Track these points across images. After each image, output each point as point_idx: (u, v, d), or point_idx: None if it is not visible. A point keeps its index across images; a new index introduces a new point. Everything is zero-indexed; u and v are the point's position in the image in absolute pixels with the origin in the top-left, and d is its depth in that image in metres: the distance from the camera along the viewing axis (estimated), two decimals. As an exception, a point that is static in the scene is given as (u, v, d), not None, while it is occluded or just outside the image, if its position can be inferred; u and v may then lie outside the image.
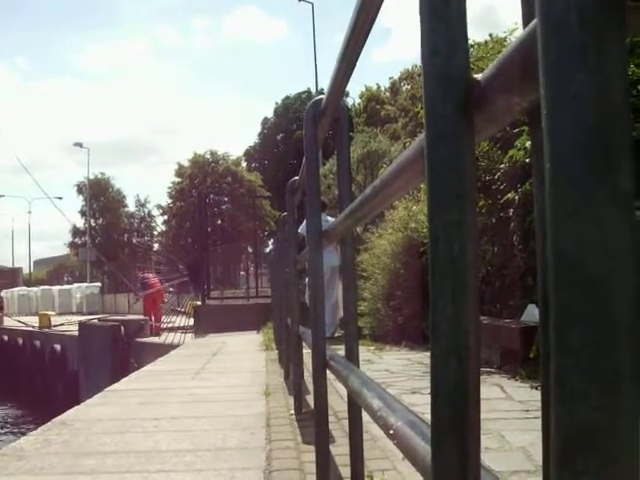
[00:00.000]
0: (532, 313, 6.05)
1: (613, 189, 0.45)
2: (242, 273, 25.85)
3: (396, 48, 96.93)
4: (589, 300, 0.45)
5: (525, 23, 0.73)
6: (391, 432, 1.17)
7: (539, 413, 0.78)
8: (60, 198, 51.98)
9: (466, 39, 0.76)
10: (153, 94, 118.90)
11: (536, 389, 4.89)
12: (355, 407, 2.30)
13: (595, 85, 0.45)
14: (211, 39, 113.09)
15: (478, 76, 0.77)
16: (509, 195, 6.35)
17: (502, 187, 6.67)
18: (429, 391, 0.80)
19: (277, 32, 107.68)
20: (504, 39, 8.11)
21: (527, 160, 5.84)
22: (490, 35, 9.08)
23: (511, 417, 4.12)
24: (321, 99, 2.53)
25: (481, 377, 0.80)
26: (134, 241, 61.33)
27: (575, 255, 0.46)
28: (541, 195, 0.72)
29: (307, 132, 2.61)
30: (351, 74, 1.99)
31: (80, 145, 55.33)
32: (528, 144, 5.72)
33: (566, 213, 0.46)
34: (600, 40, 0.45)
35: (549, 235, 0.48)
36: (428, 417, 0.85)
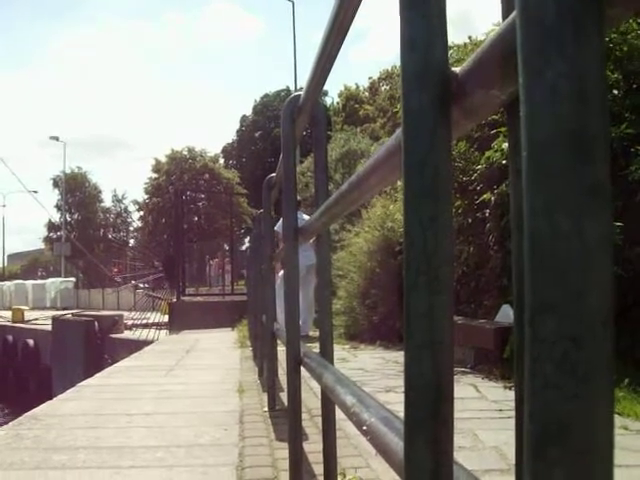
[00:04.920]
0: (507, 313, 6.08)
1: (590, 179, 0.44)
2: (219, 270, 25.77)
3: (375, 48, 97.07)
4: (564, 291, 0.45)
5: (504, 18, 0.72)
6: (364, 428, 1.17)
7: (512, 413, 0.78)
8: (36, 192, 51.32)
9: (445, 32, 0.76)
10: (131, 89, 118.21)
11: (510, 389, 4.92)
12: (329, 404, 2.29)
13: (573, 75, 0.45)
14: (188, 35, 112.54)
15: (456, 69, 0.76)
16: (485, 195, 6.38)
17: (479, 188, 6.70)
18: (403, 389, 0.80)
19: (256, 29, 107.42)
20: (482, 41, 8.14)
21: (503, 162, 5.87)
22: (469, 38, 9.14)
23: (485, 416, 4.15)
24: (299, 95, 2.52)
25: (455, 377, 0.80)
26: (110, 236, 61.04)
27: (551, 245, 0.46)
28: (517, 189, 0.72)
29: (284, 128, 2.60)
30: (329, 71, 1.99)
31: (56, 139, 54.81)
32: (505, 146, 5.75)
33: (542, 202, 0.45)
34: (578, 31, 0.45)
35: (525, 225, 0.48)
36: (402, 415, 0.84)
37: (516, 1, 0.49)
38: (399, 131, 0.88)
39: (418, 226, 0.73)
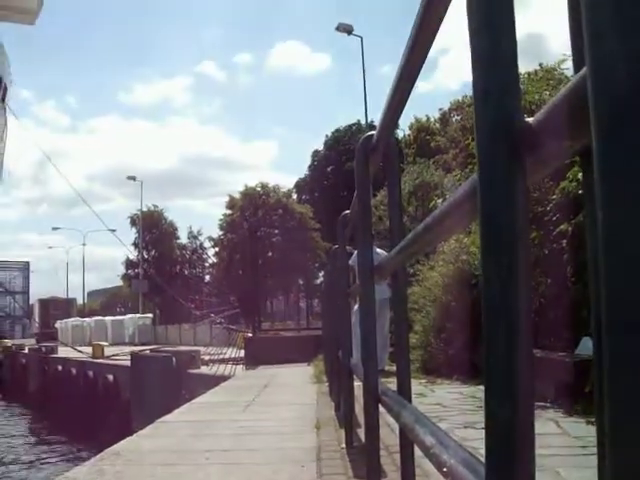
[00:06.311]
0: (587, 346, 5.94)
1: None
2: (294, 305, 25.87)
3: (445, 78, 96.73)
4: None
5: (576, 68, 0.74)
6: (444, 470, 1.17)
7: (596, 449, 0.77)
8: (114, 230, 52.42)
9: (517, 83, 0.77)
10: (203, 128, 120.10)
11: (592, 424, 4.79)
12: (407, 442, 2.28)
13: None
14: (257, 74, 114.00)
15: (529, 120, 0.78)
16: (562, 226, 6.28)
17: (554, 218, 6.61)
18: (482, 425, 0.80)
19: (323, 65, 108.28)
20: (554, 68, 8.09)
21: (579, 192, 5.78)
22: (540, 65, 9.07)
23: (567, 453, 4.04)
24: (372, 135, 2.53)
25: (535, 412, 0.80)
26: (186, 273, 61.82)
27: (629, 297, 0.46)
28: (593, 229, 0.72)
29: (358, 168, 2.62)
30: (402, 111, 2.01)
31: (133, 178, 56.09)
32: (580, 175, 5.66)
33: (618, 262, 0.46)
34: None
35: (602, 279, 0.48)
36: (482, 452, 0.85)
37: (587, 59, 0.50)
38: (473, 177, 0.90)
39: (496, 275, 0.74)
